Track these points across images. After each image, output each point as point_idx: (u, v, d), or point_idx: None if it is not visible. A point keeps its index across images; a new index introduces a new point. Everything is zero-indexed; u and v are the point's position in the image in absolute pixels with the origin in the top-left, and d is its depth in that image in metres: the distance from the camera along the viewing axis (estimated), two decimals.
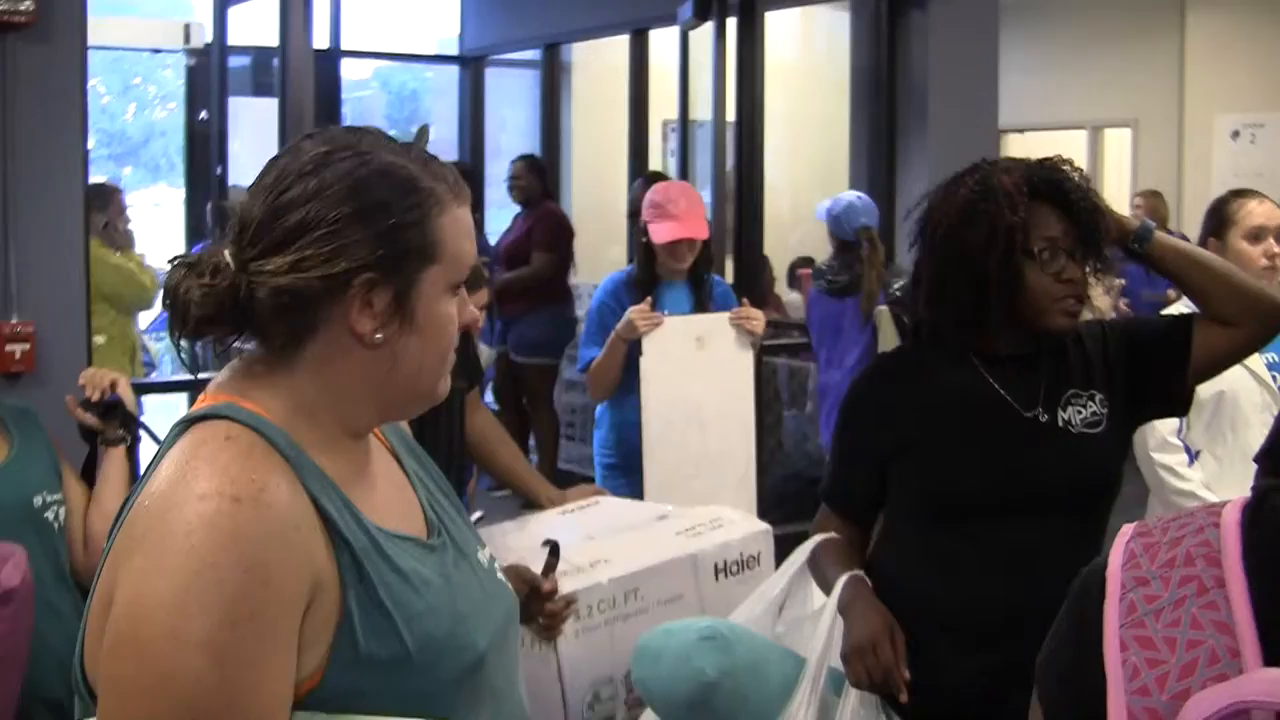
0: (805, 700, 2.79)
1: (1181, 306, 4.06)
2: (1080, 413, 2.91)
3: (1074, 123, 13.39)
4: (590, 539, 3.36)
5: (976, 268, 2.82)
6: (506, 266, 9.35)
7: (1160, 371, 2.98)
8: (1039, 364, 2.93)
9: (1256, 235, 4.42)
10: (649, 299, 5.20)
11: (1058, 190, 2.84)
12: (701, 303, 5.47)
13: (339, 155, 1.76)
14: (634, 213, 9.76)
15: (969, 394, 2.92)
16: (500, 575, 2.04)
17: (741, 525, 3.80)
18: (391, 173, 1.77)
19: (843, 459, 3.14)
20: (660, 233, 5.33)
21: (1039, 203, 2.83)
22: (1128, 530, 1.04)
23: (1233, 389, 4.20)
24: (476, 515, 3.76)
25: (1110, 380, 2.96)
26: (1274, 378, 4.29)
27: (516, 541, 3.42)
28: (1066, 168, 2.89)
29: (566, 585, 2.92)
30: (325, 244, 1.71)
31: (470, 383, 4.17)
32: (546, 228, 9.48)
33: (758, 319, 5.36)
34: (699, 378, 5.27)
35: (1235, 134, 11.25)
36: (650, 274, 5.44)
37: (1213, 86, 11.40)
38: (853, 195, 6.86)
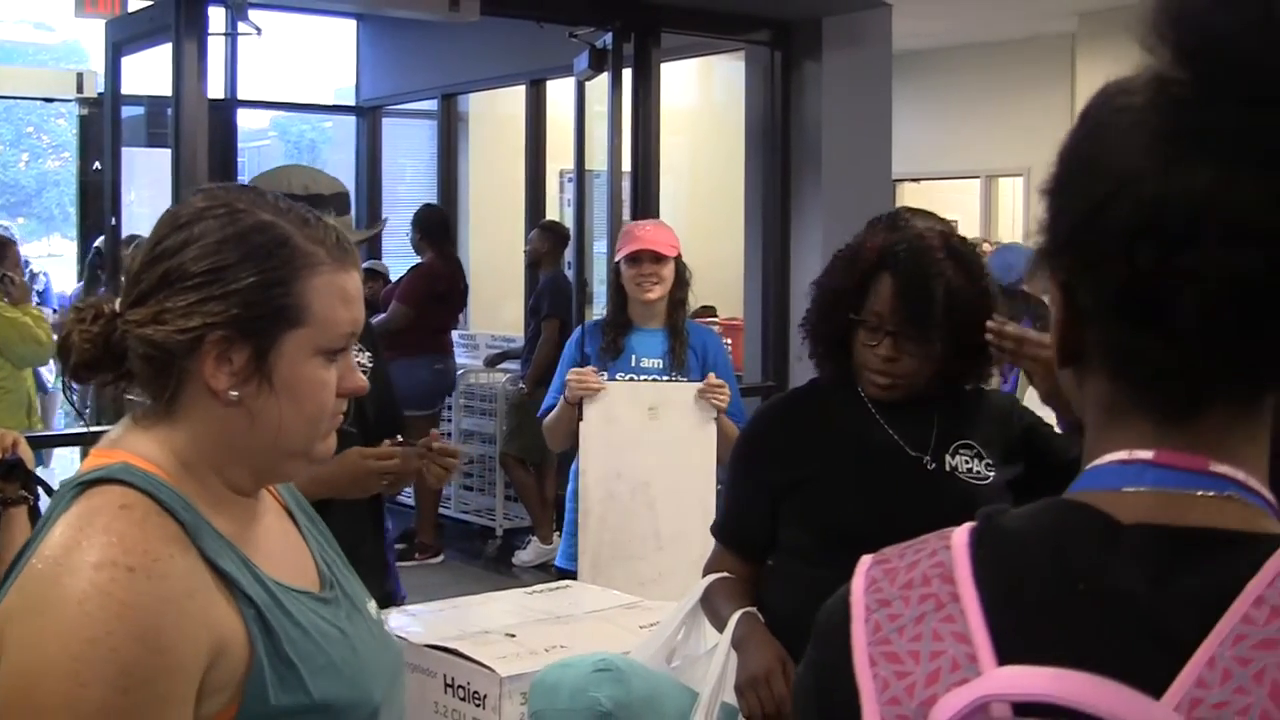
0: None
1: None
2: (968, 463, 2.95)
3: (967, 171, 13.61)
4: (550, 623, 3.33)
5: (818, 324, 3.01)
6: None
7: (1045, 480, 3.01)
8: (932, 411, 2.98)
9: None
10: (591, 368, 4.94)
11: (900, 268, 2.86)
12: (676, 352, 5.11)
13: (213, 211, 1.77)
14: (532, 263, 9.75)
15: (860, 435, 2.97)
16: (387, 627, 2.06)
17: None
18: (261, 231, 1.76)
19: (736, 497, 3.19)
20: (624, 250, 5.09)
21: (886, 274, 2.88)
22: (866, 560, 1.15)
23: None
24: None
25: (1004, 458, 2.99)
26: None
27: (479, 617, 3.32)
28: (936, 246, 2.88)
29: (518, 668, 2.90)
30: (183, 298, 1.72)
31: (374, 431, 3.81)
32: (408, 280, 9.44)
33: (722, 393, 4.94)
34: (651, 450, 4.92)
35: None
36: (621, 317, 5.16)
37: None
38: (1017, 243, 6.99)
